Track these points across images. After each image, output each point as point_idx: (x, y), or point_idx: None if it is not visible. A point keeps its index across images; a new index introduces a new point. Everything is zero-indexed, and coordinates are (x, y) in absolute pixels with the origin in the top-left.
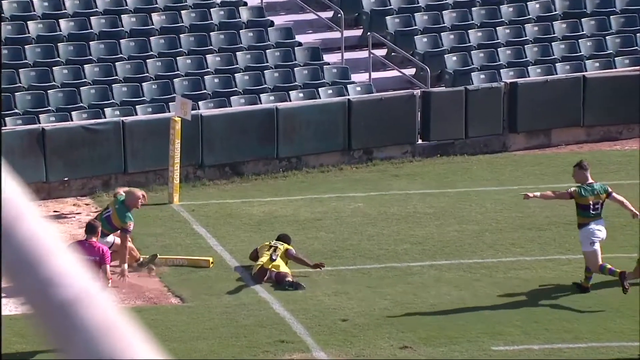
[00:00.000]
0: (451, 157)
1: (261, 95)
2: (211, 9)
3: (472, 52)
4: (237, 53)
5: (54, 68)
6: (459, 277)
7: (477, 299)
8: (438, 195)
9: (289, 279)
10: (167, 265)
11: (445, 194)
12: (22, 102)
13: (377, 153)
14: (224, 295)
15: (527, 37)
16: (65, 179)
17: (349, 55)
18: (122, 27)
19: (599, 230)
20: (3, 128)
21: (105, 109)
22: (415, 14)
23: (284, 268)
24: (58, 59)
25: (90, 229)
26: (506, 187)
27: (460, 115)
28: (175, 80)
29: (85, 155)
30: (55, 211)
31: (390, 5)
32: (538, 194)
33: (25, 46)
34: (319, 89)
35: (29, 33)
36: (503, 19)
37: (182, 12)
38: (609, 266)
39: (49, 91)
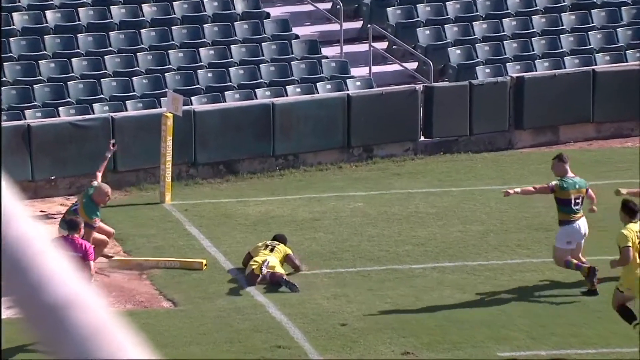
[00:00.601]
0: (455, 155)
1: (257, 90)
2: (204, 0)
3: (476, 45)
4: (231, 46)
5: (39, 62)
6: (462, 280)
7: (482, 302)
8: (441, 194)
9: (284, 277)
10: (158, 268)
11: (449, 193)
12: (7, 97)
13: (377, 150)
14: (218, 299)
15: (534, 29)
16: (52, 177)
17: (348, 48)
18: (112, 18)
19: (580, 229)
20: None
21: (93, 105)
22: (417, 5)
23: (279, 269)
24: (44, 52)
25: (72, 225)
26: (512, 186)
27: (464, 111)
28: (167, 74)
29: (73, 152)
30: (42, 211)
31: None
32: (518, 189)
33: (10, 39)
34: (317, 84)
35: (14, 25)
36: (509, 10)
37: (174, 3)
38: (575, 261)
39: (34, 86)
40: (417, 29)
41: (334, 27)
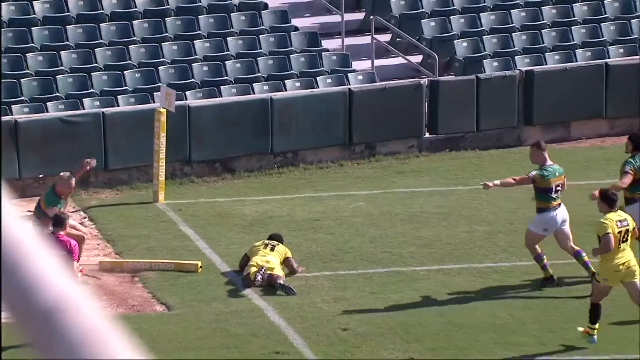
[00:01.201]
0: (461, 152)
1: (254, 84)
2: None
3: (484, 37)
4: (227, 38)
5: (27, 54)
6: (469, 283)
7: (489, 306)
8: (447, 193)
9: (281, 281)
10: (152, 270)
11: (455, 192)
12: None
13: (380, 148)
14: (213, 302)
15: (544, 21)
16: (41, 175)
17: (349, 40)
18: (102, 9)
19: (558, 216)
20: None
21: (83, 100)
22: None
23: (278, 271)
24: (32, 44)
25: (57, 221)
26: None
27: (471, 106)
28: (160, 68)
29: (62, 149)
30: (29, 211)
31: None
32: (498, 182)
33: None
34: (317, 78)
35: None
36: (518, 1)
37: None
38: (545, 261)
39: (21, 80)
40: (422, 21)
41: (335, 18)
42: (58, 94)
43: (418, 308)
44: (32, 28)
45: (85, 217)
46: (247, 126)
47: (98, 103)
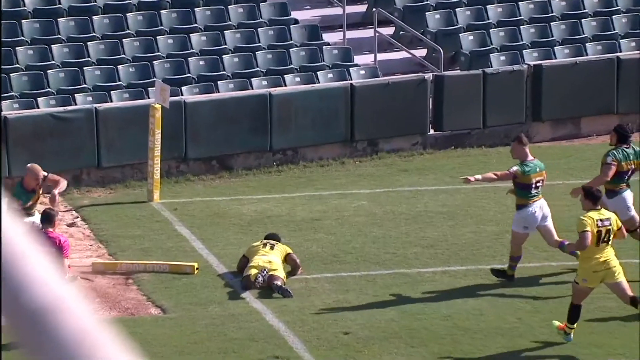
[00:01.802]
0: (467, 150)
1: (252, 79)
2: None
3: (490, 30)
4: (225, 32)
5: (17, 48)
6: (475, 285)
7: (497, 309)
8: (452, 192)
9: (279, 283)
10: (146, 272)
11: (461, 190)
12: None
13: (383, 145)
14: (210, 305)
15: (553, 13)
16: None
17: (351, 34)
18: (95, 1)
19: (537, 213)
20: None
21: (75, 95)
22: None
23: (280, 272)
24: (22, 37)
25: (46, 217)
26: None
27: (478, 102)
28: (155, 62)
29: (54, 147)
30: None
31: None
32: (479, 176)
33: None
34: (318, 73)
35: None
36: None
37: None
38: (517, 264)
39: (11, 74)
40: (426, 13)
41: (336, 11)
42: (49, 89)
43: (423, 311)
44: (22, 21)
45: (77, 217)
46: (245, 122)
47: (90, 98)
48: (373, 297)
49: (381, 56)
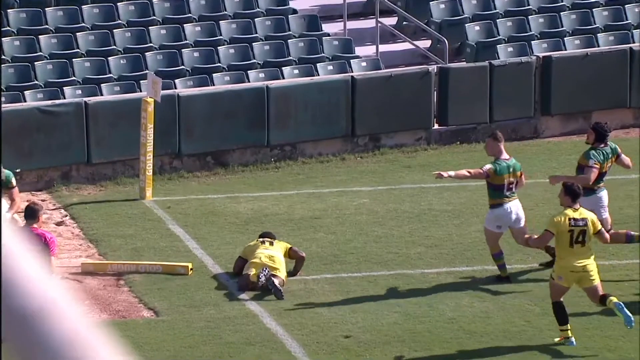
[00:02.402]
0: (473, 145)
1: (249, 72)
2: None
3: (497, 20)
4: (220, 22)
5: (2, 39)
6: (482, 286)
7: (504, 312)
8: (457, 189)
9: (276, 281)
10: (138, 273)
11: (466, 188)
12: None
13: (385, 140)
14: (205, 307)
15: (563, 3)
16: (17, 170)
17: (352, 24)
18: None
19: (511, 213)
20: None
21: (64, 88)
22: None
23: (281, 273)
24: (8, 27)
25: (29, 213)
26: (538, 180)
27: (484, 95)
28: (148, 54)
29: (41, 142)
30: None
31: None
32: (452, 173)
33: None
34: (317, 65)
35: None
36: None
37: None
38: (503, 261)
39: None
40: (431, 3)
41: (337, 0)
42: (36, 81)
43: (427, 314)
44: (8, 11)
45: (66, 216)
46: (241, 117)
47: (80, 92)
48: (375, 299)
49: (383, 47)
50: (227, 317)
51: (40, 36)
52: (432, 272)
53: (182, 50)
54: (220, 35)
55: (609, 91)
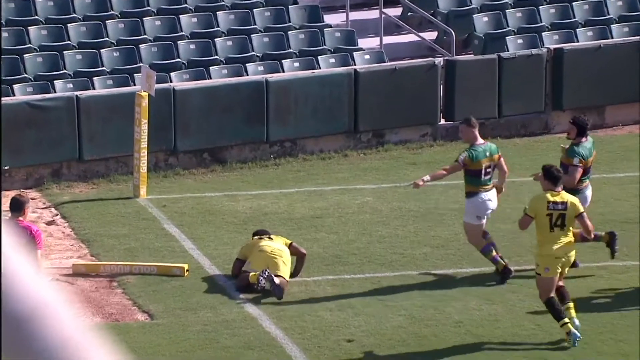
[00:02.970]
0: None
1: (247, 65)
2: None
3: (507, 11)
4: (217, 13)
5: None
6: (490, 288)
7: (514, 315)
8: (464, 187)
9: (276, 280)
10: (132, 274)
11: None
12: None
13: (389, 136)
14: (202, 310)
15: None
16: (6, 167)
17: (355, 15)
18: None
19: (490, 201)
20: None
21: (55, 82)
22: None
23: (286, 272)
24: None
25: (15, 205)
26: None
27: (493, 89)
28: (142, 46)
29: (31, 138)
30: None
31: None
32: (428, 177)
33: None
34: (319, 57)
35: None
36: None
37: None
38: (494, 253)
39: None
40: None
41: None
42: (26, 75)
43: (433, 317)
44: None
45: (56, 214)
46: (239, 112)
47: (71, 85)
48: (379, 301)
49: (387, 39)
50: (224, 320)
51: (29, 27)
52: (438, 274)
53: (178, 42)
54: (218, 26)
55: (623, 85)
